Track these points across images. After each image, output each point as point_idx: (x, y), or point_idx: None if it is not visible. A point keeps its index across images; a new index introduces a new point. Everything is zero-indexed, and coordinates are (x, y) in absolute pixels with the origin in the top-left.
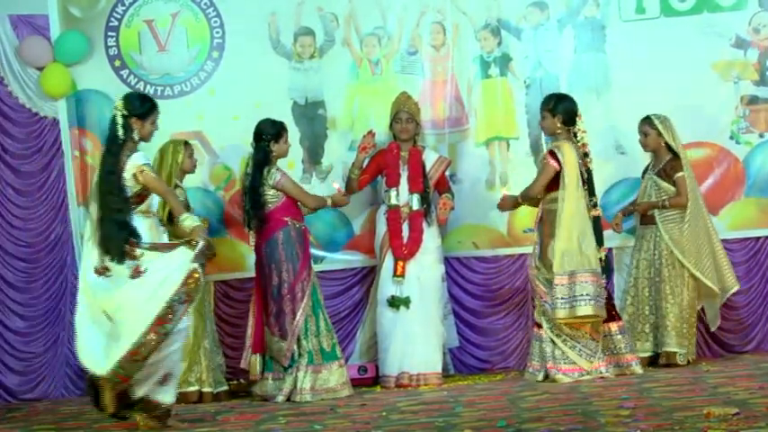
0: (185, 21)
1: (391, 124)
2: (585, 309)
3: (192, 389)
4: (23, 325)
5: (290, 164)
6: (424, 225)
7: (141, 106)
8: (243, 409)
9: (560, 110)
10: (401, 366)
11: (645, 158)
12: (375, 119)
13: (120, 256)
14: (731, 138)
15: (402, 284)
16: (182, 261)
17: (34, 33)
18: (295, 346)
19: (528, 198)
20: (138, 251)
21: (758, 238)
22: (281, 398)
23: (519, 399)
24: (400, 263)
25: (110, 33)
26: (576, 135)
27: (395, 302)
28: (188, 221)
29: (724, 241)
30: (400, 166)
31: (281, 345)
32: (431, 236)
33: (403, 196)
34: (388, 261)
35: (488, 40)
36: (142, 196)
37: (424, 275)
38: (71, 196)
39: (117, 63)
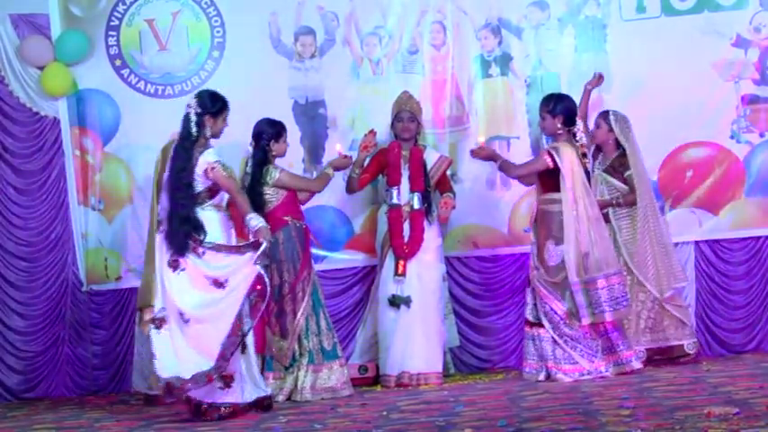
0: (186, 20)
1: (393, 123)
2: (628, 309)
3: None
4: (24, 324)
5: (289, 164)
6: (426, 224)
7: (213, 105)
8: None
9: (560, 110)
10: (402, 366)
11: (645, 155)
12: (376, 118)
13: (182, 250)
14: (732, 137)
15: (403, 283)
16: (251, 266)
17: (35, 33)
18: (296, 346)
19: (506, 172)
20: (200, 249)
21: (758, 237)
22: (281, 397)
23: (519, 398)
24: (401, 262)
25: (110, 33)
26: (575, 135)
27: (395, 301)
28: (254, 221)
29: (725, 241)
30: (401, 165)
31: (282, 344)
32: (432, 235)
33: (404, 195)
34: (389, 260)
35: (489, 39)
36: (213, 191)
37: (424, 275)
38: (72, 195)
39: (118, 62)
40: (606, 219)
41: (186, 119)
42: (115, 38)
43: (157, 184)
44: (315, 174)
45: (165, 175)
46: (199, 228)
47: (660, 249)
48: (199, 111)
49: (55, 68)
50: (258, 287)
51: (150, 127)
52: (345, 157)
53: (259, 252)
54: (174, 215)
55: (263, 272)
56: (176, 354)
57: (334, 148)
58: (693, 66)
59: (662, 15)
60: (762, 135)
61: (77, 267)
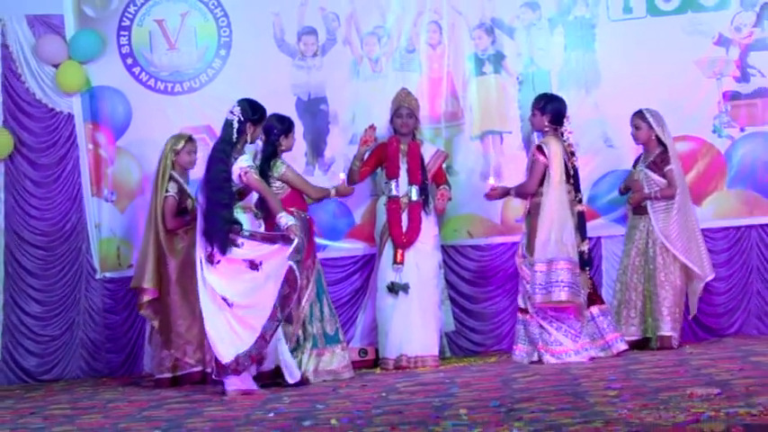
0: (194, 20)
1: (392, 119)
2: (560, 294)
3: (196, 369)
4: (41, 310)
5: (293, 157)
6: (423, 215)
7: (255, 113)
8: None
9: (549, 109)
10: (400, 349)
11: (632, 151)
12: (375, 113)
13: (224, 248)
14: (714, 132)
15: (401, 271)
16: (283, 258)
17: (50, 32)
18: (300, 331)
19: (522, 195)
20: (239, 240)
21: (739, 227)
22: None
23: (511, 380)
24: (400, 251)
25: (122, 32)
26: (562, 135)
27: (394, 288)
28: (283, 220)
29: (707, 230)
30: (400, 158)
31: (288, 329)
32: (429, 225)
33: (402, 187)
34: (388, 249)
35: (483, 38)
36: (243, 194)
37: (422, 263)
38: (85, 187)
39: (129, 61)
40: (644, 211)
41: (228, 125)
42: (127, 37)
43: (157, 175)
44: (317, 167)
45: (203, 176)
46: (237, 224)
47: (699, 235)
48: (242, 118)
49: (69, 66)
50: (290, 280)
51: (160, 122)
52: (348, 186)
53: (291, 248)
54: (214, 215)
55: (294, 266)
56: (234, 332)
57: (339, 177)
58: (677, 64)
59: (647, 16)
60: (742, 130)
61: (91, 256)
